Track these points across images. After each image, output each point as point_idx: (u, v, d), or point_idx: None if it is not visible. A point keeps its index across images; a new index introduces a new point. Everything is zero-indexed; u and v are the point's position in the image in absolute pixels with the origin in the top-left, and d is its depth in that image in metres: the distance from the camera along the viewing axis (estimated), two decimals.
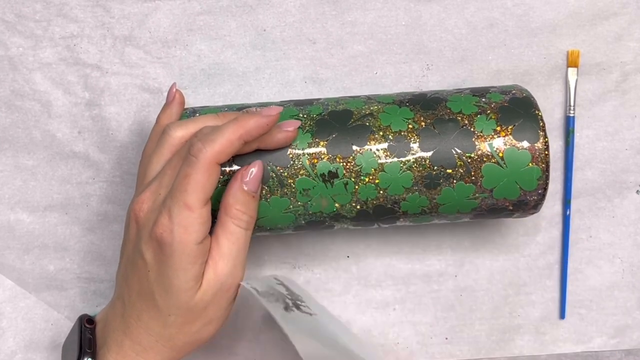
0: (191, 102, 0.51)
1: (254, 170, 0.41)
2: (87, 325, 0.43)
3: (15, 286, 0.52)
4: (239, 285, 0.42)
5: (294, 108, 0.45)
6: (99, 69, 0.51)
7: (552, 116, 0.52)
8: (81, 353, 0.41)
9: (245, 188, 0.41)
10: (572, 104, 0.51)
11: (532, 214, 0.46)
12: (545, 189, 0.43)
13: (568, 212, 0.52)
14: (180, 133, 0.42)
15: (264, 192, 0.43)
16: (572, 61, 0.51)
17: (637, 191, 0.52)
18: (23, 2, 0.50)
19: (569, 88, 0.51)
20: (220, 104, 0.51)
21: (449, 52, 0.51)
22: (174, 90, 0.45)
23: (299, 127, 0.43)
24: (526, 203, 0.44)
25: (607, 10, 0.51)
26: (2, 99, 0.51)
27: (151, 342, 0.41)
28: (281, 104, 0.46)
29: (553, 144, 0.52)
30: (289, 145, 0.43)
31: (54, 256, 0.52)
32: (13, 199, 0.52)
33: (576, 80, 0.51)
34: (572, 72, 0.51)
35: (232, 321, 0.52)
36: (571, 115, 0.51)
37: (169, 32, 0.51)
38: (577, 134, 0.52)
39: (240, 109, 0.45)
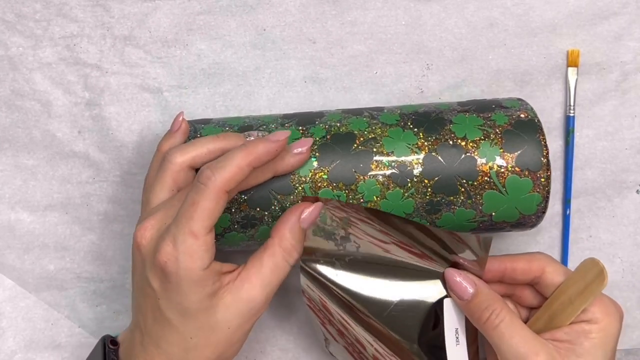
0: (191, 102, 0.51)
1: (312, 208, 0.41)
2: (111, 347, 0.42)
3: (16, 286, 0.52)
4: (263, 312, 0.42)
5: (295, 130, 0.44)
6: (99, 68, 0.51)
7: (552, 116, 0.52)
8: None
9: (302, 225, 0.41)
10: (572, 103, 0.51)
11: (530, 229, 0.46)
12: (544, 212, 0.44)
13: (568, 212, 0.52)
14: (181, 159, 0.41)
15: (265, 218, 0.43)
16: (572, 61, 0.51)
17: (637, 191, 0.52)
18: (23, 2, 0.50)
19: (569, 88, 0.51)
20: (220, 104, 0.51)
21: (449, 52, 0.51)
22: (180, 119, 0.45)
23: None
24: (524, 224, 0.44)
25: (607, 10, 0.51)
26: (2, 98, 0.51)
27: None
28: (283, 120, 0.45)
29: (553, 144, 0.52)
30: (291, 172, 0.42)
31: (54, 256, 0.52)
32: (13, 199, 0.52)
33: (576, 80, 0.51)
34: (572, 71, 0.51)
35: None
36: (571, 114, 0.51)
37: (169, 32, 0.51)
38: (577, 134, 0.52)
39: (242, 127, 0.45)
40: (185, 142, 0.45)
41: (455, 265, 0.44)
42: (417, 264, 0.43)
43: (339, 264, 0.43)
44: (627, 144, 0.52)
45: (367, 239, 0.43)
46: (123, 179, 0.52)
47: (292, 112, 0.48)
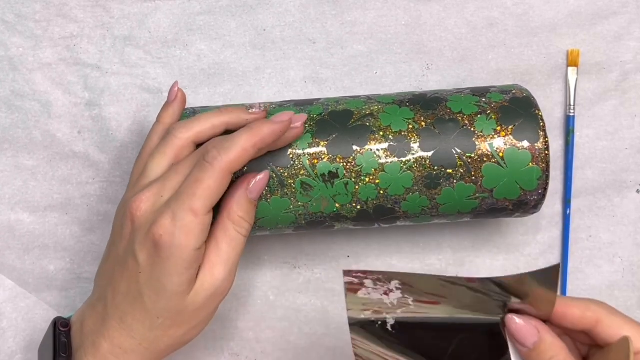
0: (191, 102, 0.51)
1: (259, 177, 0.41)
2: (62, 329, 0.42)
3: (16, 286, 0.52)
4: (229, 290, 0.42)
5: (294, 108, 0.45)
6: (99, 69, 0.51)
7: (552, 115, 0.52)
8: (55, 357, 0.40)
9: (250, 196, 0.41)
10: (572, 103, 0.51)
11: (533, 213, 0.46)
12: (545, 189, 0.44)
13: (568, 212, 0.52)
14: (186, 134, 0.42)
15: (264, 192, 0.43)
16: (572, 60, 0.51)
17: (637, 190, 0.52)
18: (23, 2, 0.50)
19: (569, 87, 0.51)
20: (220, 104, 0.51)
21: (449, 52, 0.51)
22: (176, 89, 0.45)
23: None
24: (526, 203, 0.44)
25: (607, 10, 0.51)
26: (2, 99, 0.51)
27: (133, 345, 0.40)
28: (281, 104, 0.46)
29: (553, 144, 0.52)
30: (289, 146, 0.43)
31: (54, 256, 0.52)
32: (13, 199, 0.52)
33: (576, 80, 0.51)
34: (572, 71, 0.51)
35: (233, 320, 0.52)
36: (571, 114, 0.51)
37: (169, 32, 0.51)
38: (577, 134, 0.52)
39: None
40: (182, 111, 0.45)
41: (515, 311, 0.40)
42: (473, 316, 0.40)
43: (390, 318, 0.41)
44: (627, 143, 0.52)
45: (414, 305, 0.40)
46: (123, 180, 0.52)
47: None
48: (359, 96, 0.46)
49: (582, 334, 0.40)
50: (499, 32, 0.51)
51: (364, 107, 0.44)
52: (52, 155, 0.51)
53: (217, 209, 0.42)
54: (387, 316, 0.40)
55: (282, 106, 0.45)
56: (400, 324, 0.40)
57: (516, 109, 0.43)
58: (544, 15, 0.51)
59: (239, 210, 0.41)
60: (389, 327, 0.40)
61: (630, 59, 0.51)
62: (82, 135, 0.51)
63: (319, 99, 0.46)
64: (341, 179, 0.43)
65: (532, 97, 0.44)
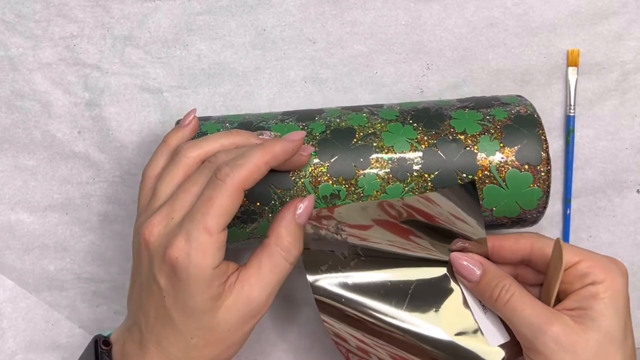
0: (191, 102, 0.51)
1: (306, 203, 0.41)
2: (104, 347, 0.41)
3: (16, 286, 0.52)
4: (264, 312, 0.41)
5: (295, 125, 0.44)
6: (99, 69, 0.51)
7: (552, 115, 0.52)
8: None
9: (298, 221, 0.41)
10: (572, 103, 0.51)
11: (531, 226, 0.46)
12: (545, 207, 0.44)
13: (568, 212, 0.52)
14: (196, 153, 0.41)
15: (265, 213, 0.43)
16: (572, 60, 0.51)
17: (638, 190, 0.52)
18: (23, 2, 0.50)
19: (569, 87, 0.51)
20: (220, 104, 0.51)
21: (449, 52, 0.51)
22: (192, 116, 0.45)
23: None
24: (525, 219, 0.44)
25: (607, 10, 0.51)
26: (2, 99, 0.51)
27: None
28: (282, 118, 0.45)
29: (553, 144, 0.52)
30: None
31: (54, 256, 0.52)
32: (13, 199, 0.52)
33: (576, 80, 0.51)
34: (572, 71, 0.51)
35: None
36: (571, 114, 0.51)
37: (169, 32, 0.51)
38: (577, 134, 0.52)
39: (242, 124, 0.45)
40: (192, 138, 0.45)
41: (459, 250, 0.44)
42: (421, 255, 0.43)
43: (348, 269, 0.43)
44: (627, 143, 0.52)
45: (364, 243, 0.43)
46: (123, 180, 0.52)
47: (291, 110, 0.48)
48: (361, 108, 0.46)
49: (529, 269, 0.44)
50: (499, 32, 0.51)
51: (366, 125, 0.44)
52: (52, 155, 0.51)
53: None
54: (344, 272, 0.43)
55: (284, 121, 0.45)
56: (357, 270, 0.44)
57: (519, 128, 0.43)
58: (544, 15, 0.51)
59: (288, 235, 0.40)
60: (349, 281, 0.43)
61: (630, 59, 0.51)
62: (82, 135, 0.51)
63: (321, 112, 0.46)
64: (343, 200, 0.43)
65: (536, 113, 0.44)
